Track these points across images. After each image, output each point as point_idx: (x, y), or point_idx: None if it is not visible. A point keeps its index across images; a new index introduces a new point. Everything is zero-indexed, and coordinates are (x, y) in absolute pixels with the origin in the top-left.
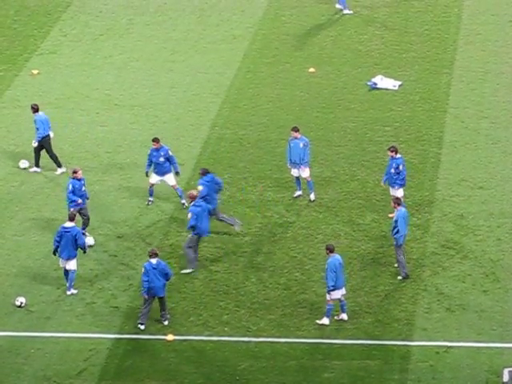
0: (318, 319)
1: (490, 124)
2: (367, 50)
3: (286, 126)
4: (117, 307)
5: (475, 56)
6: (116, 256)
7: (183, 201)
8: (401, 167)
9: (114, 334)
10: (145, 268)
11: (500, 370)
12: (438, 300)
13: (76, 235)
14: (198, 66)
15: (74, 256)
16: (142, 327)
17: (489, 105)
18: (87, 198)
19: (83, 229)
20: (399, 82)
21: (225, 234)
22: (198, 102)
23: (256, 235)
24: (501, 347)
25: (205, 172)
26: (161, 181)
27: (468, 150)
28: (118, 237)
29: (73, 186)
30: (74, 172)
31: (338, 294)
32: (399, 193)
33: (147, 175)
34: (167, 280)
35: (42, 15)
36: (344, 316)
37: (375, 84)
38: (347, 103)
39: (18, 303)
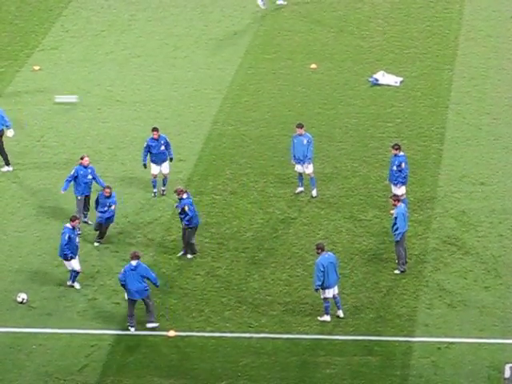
0: (319, 315)
1: (491, 120)
2: (369, 46)
3: (287, 122)
4: (118, 303)
5: (477, 52)
6: (117, 252)
7: (163, 188)
8: (403, 165)
9: (116, 330)
10: (123, 269)
11: (501, 366)
12: (440, 296)
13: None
14: (200, 61)
15: (70, 257)
16: (132, 330)
17: (490, 101)
18: (104, 187)
19: (85, 216)
20: (401, 78)
21: (226, 230)
22: (200, 97)
23: (258, 231)
24: (502, 343)
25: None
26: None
27: (470, 146)
28: (120, 233)
29: (76, 171)
30: (81, 158)
31: (329, 293)
32: (401, 191)
33: (145, 167)
34: (155, 285)
35: (44, 11)
36: (340, 313)
37: (377, 80)
38: (349, 99)
39: (19, 299)
